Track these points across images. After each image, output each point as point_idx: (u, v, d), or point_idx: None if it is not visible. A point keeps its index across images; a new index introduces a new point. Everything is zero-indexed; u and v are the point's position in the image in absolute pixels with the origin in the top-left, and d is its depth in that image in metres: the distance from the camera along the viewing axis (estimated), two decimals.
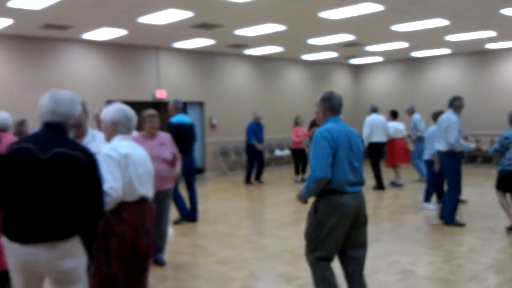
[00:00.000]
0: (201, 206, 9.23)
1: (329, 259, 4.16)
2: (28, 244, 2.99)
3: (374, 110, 12.12)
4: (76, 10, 9.62)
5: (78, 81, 12.90)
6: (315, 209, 4.15)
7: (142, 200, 3.62)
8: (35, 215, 3.00)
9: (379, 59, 18.47)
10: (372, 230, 7.83)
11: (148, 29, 11.54)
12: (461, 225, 7.91)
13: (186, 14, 10.01)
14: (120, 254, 3.48)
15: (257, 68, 16.87)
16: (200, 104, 15.68)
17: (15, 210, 3.03)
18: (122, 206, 3.51)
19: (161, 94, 14.35)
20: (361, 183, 4.21)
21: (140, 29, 11.53)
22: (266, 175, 14.94)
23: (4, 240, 3.07)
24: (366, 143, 11.69)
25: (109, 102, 13.40)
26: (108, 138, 3.73)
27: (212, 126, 15.67)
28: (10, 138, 6.80)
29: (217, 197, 11.59)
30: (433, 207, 9.33)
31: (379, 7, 9.78)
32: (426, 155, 9.31)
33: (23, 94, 11.92)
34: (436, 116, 9.58)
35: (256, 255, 6.54)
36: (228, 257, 6.44)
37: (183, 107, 10.61)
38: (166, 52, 14.62)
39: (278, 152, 16.83)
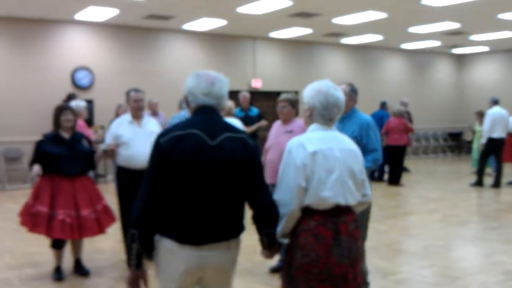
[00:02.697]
0: None
1: None
2: (204, 245, 2.60)
3: (496, 102, 11.09)
4: (179, 1, 9.90)
5: (178, 70, 13.31)
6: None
7: (338, 209, 2.81)
8: (212, 210, 2.60)
9: (484, 48, 17.52)
10: (476, 229, 7.52)
11: (247, 19, 11.66)
12: None
13: (285, 3, 10.01)
14: (303, 273, 2.78)
15: (353, 57, 16.57)
16: (295, 94, 15.63)
17: (186, 206, 2.58)
18: (311, 213, 2.79)
19: (256, 83, 14.49)
20: None
21: (239, 19, 11.68)
22: None
23: (169, 243, 2.60)
24: (485, 139, 10.87)
25: None
26: (305, 125, 3.01)
27: None
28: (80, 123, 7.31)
29: None
30: None
31: None
32: None
33: (126, 82, 12.43)
34: None
35: None
36: None
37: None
38: (262, 41, 14.72)
39: None
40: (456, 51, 18.23)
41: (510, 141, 11.19)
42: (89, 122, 10.70)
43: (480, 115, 12.74)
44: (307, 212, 2.79)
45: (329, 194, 2.74)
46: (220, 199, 2.61)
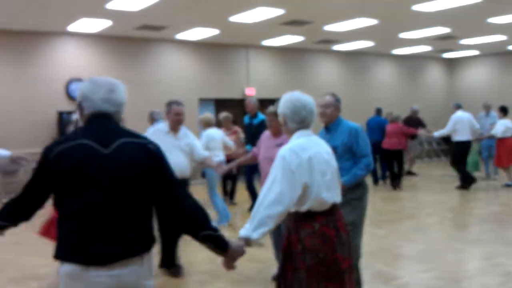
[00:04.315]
0: None
1: None
2: (113, 264, 2.32)
3: (459, 107, 11.55)
4: (172, 11, 9.93)
5: (172, 80, 13.34)
6: (359, 197, 4.46)
7: (333, 208, 3.04)
8: (115, 223, 2.35)
9: (474, 52, 17.68)
10: (474, 231, 7.56)
11: (239, 28, 11.71)
12: None
13: (277, 12, 10.06)
14: (313, 275, 2.90)
15: (345, 64, 16.66)
16: None
17: (84, 222, 2.31)
18: (312, 216, 2.96)
19: (250, 91, 14.53)
20: None
21: (232, 28, 11.72)
22: None
23: (70, 268, 2.31)
24: (439, 135, 11.51)
25: (201, 100, 13.81)
26: (287, 135, 3.21)
27: None
28: None
29: None
30: None
31: None
32: None
33: None
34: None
35: None
36: None
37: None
38: (255, 50, 14.77)
39: None
40: (446, 55, 18.38)
41: (500, 146, 11.37)
42: None
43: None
44: (308, 215, 2.95)
45: (328, 195, 2.97)
46: (123, 210, 2.36)
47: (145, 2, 9.09)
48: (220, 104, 14.09)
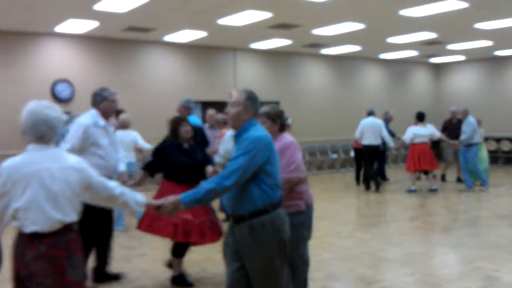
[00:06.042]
0: None
1: None
2: None
3: (370, 113, 12.21)
4: (159, 13, 9.92)
5: (159, 82, 13.32)
6: (262, 240, 3.26)
7: (66, 228, 2.82)
8: None
9: (461, 58, 17.83)
10: (456, 235, 7.62)
11: (227, 31, 11.72)
12: None
13: (265, 15, 10.09)
14: None
15: (333, 68, 16.73)
16: (276, 104, 15.71)
17: None
18: (38, 237, 2.73)
19: None
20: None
21: (220, 31, 11.73)
22: (341, 176, 14.87)
23: None
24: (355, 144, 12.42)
25: None
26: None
27: (287, 126, 15.65)
28: None
29: None
30: None
31: (463, 4, 9.46)
32: None
33: None
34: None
35: (335, 256, 6.49)
36: None
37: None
38: (243, 53, 14.80)
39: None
40: (433, 60, 18.52)
41: (411, 152, 11.64)
42: None
43: (478, 123, 12.34)
44: (33, 237, 2.73)
45: (54, 214, 2.75)
46: None
47: (133, 3, 9.08)
48: (207, 106, 14.05)
